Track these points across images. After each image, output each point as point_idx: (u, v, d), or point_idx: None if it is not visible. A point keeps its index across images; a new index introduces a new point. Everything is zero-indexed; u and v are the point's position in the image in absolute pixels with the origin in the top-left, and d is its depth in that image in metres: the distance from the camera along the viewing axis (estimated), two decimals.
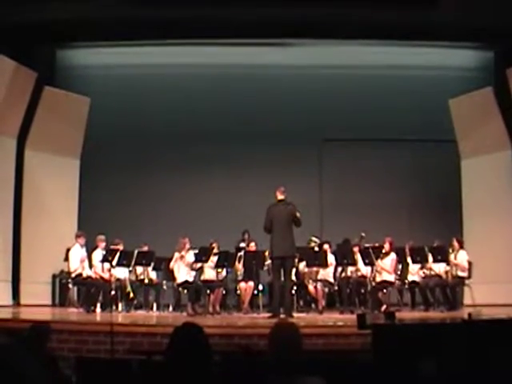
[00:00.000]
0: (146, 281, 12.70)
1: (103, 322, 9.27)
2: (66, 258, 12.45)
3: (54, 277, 13.49)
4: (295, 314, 10.56)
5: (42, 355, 5.06)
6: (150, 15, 12.84)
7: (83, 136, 14.29)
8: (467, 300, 12.11)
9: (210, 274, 11.97)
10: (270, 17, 12.93)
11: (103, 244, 12.12)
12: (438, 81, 15.01)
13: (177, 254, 11.64)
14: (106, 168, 14.76)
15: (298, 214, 10.36)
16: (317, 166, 15.26)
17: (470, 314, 6.70)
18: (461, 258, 11.79)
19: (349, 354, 6.88)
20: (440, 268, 12.00)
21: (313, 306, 12.42)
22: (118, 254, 11.59)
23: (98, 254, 12.01)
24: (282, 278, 10.42)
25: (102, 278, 11.90)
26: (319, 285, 11.82)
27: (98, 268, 11.99)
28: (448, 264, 11.88)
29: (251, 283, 11.90)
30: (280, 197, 10.58)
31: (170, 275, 12.13)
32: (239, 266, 12.18)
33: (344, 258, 12.06)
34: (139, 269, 12.66)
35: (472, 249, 12.13)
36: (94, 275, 11.95)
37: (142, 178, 14.94)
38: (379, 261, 11.67)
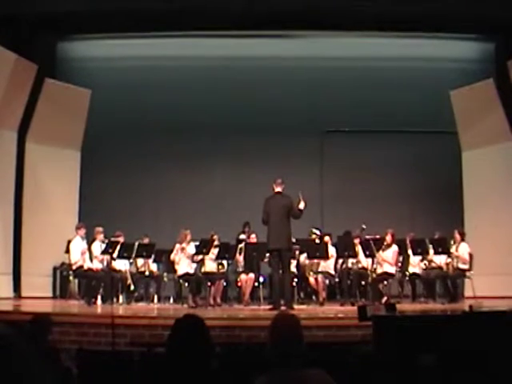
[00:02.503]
0: (147, 273, 12.70)
1: (104, 314, 9.29)
2: (67, 251, 12.46)
3: (54, 269, 13.51)
4: (296, 306, 10.56)
5: (43, 347, 5.07)
6: (151, 7, 12.82)
7: (84, 128, 14.27)
8: (468, 292, 12.12)
9: (210, 266, 11.98)
10: (271, 8, 12.91)
11: (101, 236, 12.11)
12: (439, 72, 14.99)
13: (178, 246, 11.65)
14: (106, 160, 14.77)
15: (296, 205, 10.31)
16: (318, 157, 15.24)
17: (470, 306, 6.71)
18: (462, 250, 11.79)
19: (349, 346, 6.89)
20: (441, 260, 12.01)
21: (313, 297, 12.44)
22: (118, 246, 11.59)
23: (97, 246, 12.02)
24: (281, 271, 10.42)
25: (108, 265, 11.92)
26: (320, 277, 11.84)
27: (98, 260, 12.00)
28: (449, 256, 11.88)
29: (252, 275, 11.91)
30: (277, 189, 10.56)
31: (170, 267, 12.15)
32: (240, 258, 12.19)
33: (345, 249, 12.05)
34: (140, 261, 12.67)
35: (473, 241, 12.12)
36: (94, 267, 11.96)
37: (142, 170, 14.94)
38: (381, 253, 11.66)
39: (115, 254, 11.58)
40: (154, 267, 12.90)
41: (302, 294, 12.73)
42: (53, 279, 13.54)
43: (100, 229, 12.19)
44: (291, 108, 14.94)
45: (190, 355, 3.00)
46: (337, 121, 14.99)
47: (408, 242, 12.15)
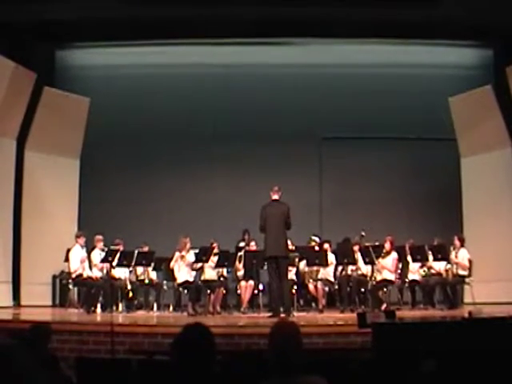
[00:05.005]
0: (147, 281, 12.69)
1: (103, 322, 9.27)
2: (67, 259, 12.45)
3: (54, 277, 13.50)
4: (295, 313, 10.56)
5: (43, 356, 5.06)
6: (150, 15, 12.84)
7: (83, 136, 14.28)
8: (467, 298, 12.10)
9: (210, 274, 11.96)
10: (270, 16, 12.94)
11: (101, 244, 12.11)
12: (438, 79, 15.00)
13: (177, 254, 11.64)
14: (105, 168, 14.76)
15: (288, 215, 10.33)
16: (317, 164, 15.25)
17: (470, 313, 6.72)
18: (462, 256, 11.77)
19: (349, 353, 6.89)
20: (440, 266, 11.99)
21: (313, 305, 12.43)
22: (118, 254, 11.58)
23: (96, 254, 12.01)
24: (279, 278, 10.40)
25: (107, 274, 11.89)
26: (319, 284, 11.82)
27: (97, 268, 11.99)
28: (448, 262, 11.87)
29: (251, 282, 11.90)
30: (274, 196, 10.56)
31: (170, 275, 12.13)
32: (239, 266, 12.18)
33: (344, 256, 12.05)
34: (139, 269, 12.66)
35: (472, 247, 12.11)
36: (94, 275, 11.95)
37: (142, 178, 14.94)
38: (380, 260, 11.65)
39: (115, 262, 11.57)
40: (153, 275, 12.89)
41: (301, 302, 12.71)
42: (52, 288, 13.53)
43: (100, 237, 12.18)
44: (290, 115, 14.94)
45: (196, 364, 2.99)
46: (335, 127, 14.99)
47: (407, 248, 12.15)
